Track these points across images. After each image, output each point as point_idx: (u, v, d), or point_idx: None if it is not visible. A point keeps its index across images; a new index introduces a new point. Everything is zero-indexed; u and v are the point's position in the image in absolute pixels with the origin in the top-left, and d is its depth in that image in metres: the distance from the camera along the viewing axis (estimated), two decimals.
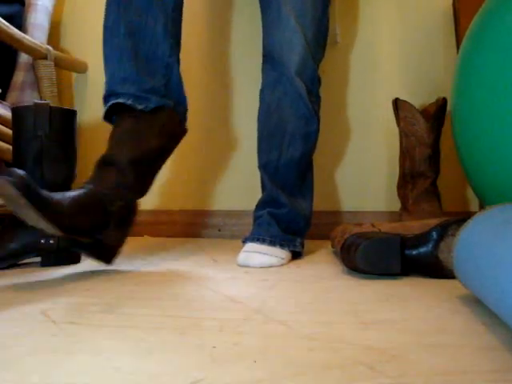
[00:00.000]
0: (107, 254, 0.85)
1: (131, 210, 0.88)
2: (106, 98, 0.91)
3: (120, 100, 0.87)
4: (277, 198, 1.00)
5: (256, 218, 1.02)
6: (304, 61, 0.97)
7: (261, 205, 1.03)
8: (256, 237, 0.96)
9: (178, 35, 0.96)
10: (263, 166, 1.03)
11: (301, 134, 1.00)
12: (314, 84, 1.01)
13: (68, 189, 0.96)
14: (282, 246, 0.96)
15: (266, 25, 1.01)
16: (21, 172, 0.66)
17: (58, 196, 0.73)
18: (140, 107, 0.88)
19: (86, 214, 0.77)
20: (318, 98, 1.04)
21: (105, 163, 0.86)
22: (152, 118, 0.89)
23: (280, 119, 0.99)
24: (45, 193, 0.70)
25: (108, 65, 0.90)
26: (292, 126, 0.99)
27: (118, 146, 0.86)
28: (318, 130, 1.03)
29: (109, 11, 0.91)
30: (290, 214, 1.00)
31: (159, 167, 0.93)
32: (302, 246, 1.03)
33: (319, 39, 1.01)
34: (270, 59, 0.99)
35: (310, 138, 1.01)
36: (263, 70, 1.02)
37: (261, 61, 1.03)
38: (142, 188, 0.90)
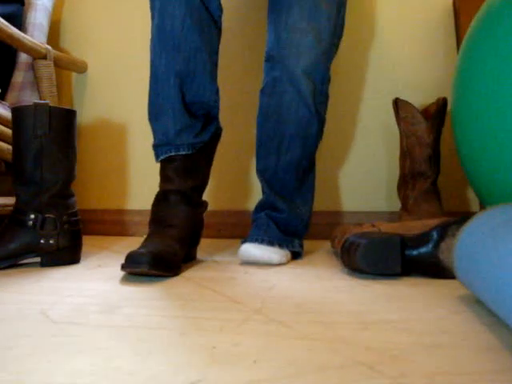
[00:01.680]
0: (193, 255, 1.01)
1: (203, 220, 1.02)
2: (162, 147, 0.96)
3: (180, 152, 0.94)
4: (274, 204, 1.00)
5: (254, 220, 1.02)
6: (315, 61, 0.95)
7: (259, 208, 1.03)
8: (254, 237, 0.96)
9: (216, 76, 1.00)
10: (261, 172, 1.02)
11: (300, 136, 0.98)
12: (324, 83, 0.99)
13: (67, 189, 0.96)
14: (280, 245, 0.96)
15: (272, 23, 0.99)
16: (142, 251, 0.77)
17: (169, 248, 0.83)
18: (195, 150, 0.96)
19: (189, 246, 0.94)
20: (327, 97, 1.01)
21: (170, 196, 0.94)
22: (203, 153, 0.98)
23: (278, 122, 0.98)
24: (166, 253, 0.80)
25: (162, 116, 0.94)
26: (290, 128, 0.98)
27: (179, 181, 0.94)
28: (319, 131, 1.01)
29: (157, 59, 0.93)
30: (288, 219, 0.99)
31: (208, 180, 1.03)
32: (301, 246, 1.03)
33: (333, 38, 0.99)
34: (270, 58, 0.98)
35: (310, 140, 1.00)
36: (264, 70, 1.01)
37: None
38: (202, 201, 1.01)
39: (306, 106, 0.97)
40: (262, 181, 1.03)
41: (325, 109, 1.02)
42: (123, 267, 0.77)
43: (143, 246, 0.82)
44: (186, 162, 0.95)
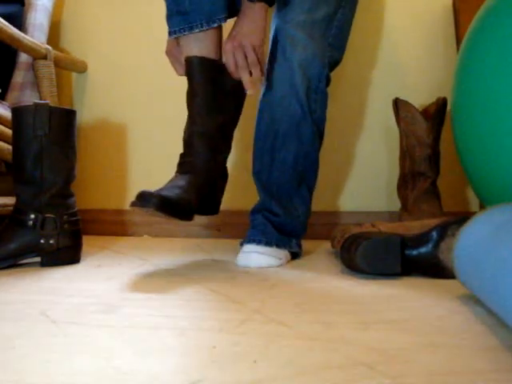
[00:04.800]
0: (216, 208, 1.01)
1: (225, 167, 1.01)
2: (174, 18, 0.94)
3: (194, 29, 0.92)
4: (270, 208, 0.99)
5: (251, 221, 1.02)
6: (310, 56, 0.95)
7: (255, 210, 1.02)
8: (252, 238, 0.96)
9: None
10: (257, 174, 1.01)
11: (293, 135, 0.97)
12: (321, 80, 0.97)
13: (67, 189, 0.96)
14: (278, 246, 0.96)
15: (275, 17, 0.99)
16: (152, 192, 0.79)
17: (183, 194, 0.84)
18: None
19: (204, 194, 0.93)
20: (324, 96, 1.00)
21: (194, 136, 0.93)
22: (223, 78, 0.94)
23: (271, 119, 0.97)
24: (176, 198, 0.81)
25: None
26: (283, 127, 0.96)
27: (203, 118, 0.93)
28: (314, 132, 0.98)
29: None
30: (285, 222, 0.99)
31: (236, 121, 1.01)
32: (299, 246, 1.03)
33: (327, 37, 0.98)
34: (272, 46, 0.98)
35: (304, 140, 0.97)
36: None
37: None
38: (228, 144, 0.99)
39: (298, 103, 0.95)
40: (258, 184, 1.02)
41: (322, 108, 1.00)
42: (132, 204, 0.80)
43: (159, 188, 0.85)
44: (208, 99, 0.93)
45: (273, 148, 0.98)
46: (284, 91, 0.96)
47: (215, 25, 0.91)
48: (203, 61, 0.93)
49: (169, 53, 1.03)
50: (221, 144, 0.96)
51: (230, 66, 0.92)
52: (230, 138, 1.00)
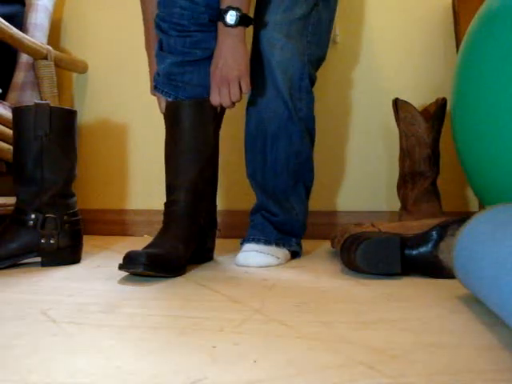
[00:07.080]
0: (210, 254, 1.00)
1: (213, 215, 0.99)
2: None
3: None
4: (268, 208, 1.00)
5: (251, 221, 1.02)
6: (289, 56, 0.94)
7: (254, 210, 1.03)
8: (251, 237, 0.96)
9: None
10: (251, 176, 1.01)
11: (282, 134, 0.97)
12: (302, 80, 0.97)
13: (68, 188, 0.96)
14: (277, 245, 0.96)
15: (254, 15, 0.98)
16: (139, 251, 0.77)
17: (171, 249, 0.83)
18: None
19: (193, 244, 0.90)
20: (309, 94, 0.99)
21: (175, 186, 0.92)
22: (206, 111, 0.94)
23: (260, 120, 0.97)
24: (165, 254, 0.80)
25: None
26: (271, 127, 0.96)
27: (184, 167, 0.92)
28: (302, 130, 0.98)
29: None
30: (283, 221, 0.99)
31: (217, 165, 1.00)
32: (299, 245, 1.03)
33: (305, 35, 0.97)
34: (252, 49, 0.98)
35: (293, 138, 0.97)
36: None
37: None
38: (214, 188, 0.99)
39: (283, 103, 0.95)
40: (254, 185, 1.02)
41: (308, 106, 0.99)
42: (120, 267, 0.77)
43: (147, 245, 0.83)
44: (191, 147, 0.92)
45: (264, 149, 0.98)
46: (268, 93, 0.96)
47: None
48: (188, 104, 0.92)
49: (153, 91, 1.01)
50: (204, 190, 0.94)
51: (214, 101, 0.92)
52: (213, 186, 0.98)
